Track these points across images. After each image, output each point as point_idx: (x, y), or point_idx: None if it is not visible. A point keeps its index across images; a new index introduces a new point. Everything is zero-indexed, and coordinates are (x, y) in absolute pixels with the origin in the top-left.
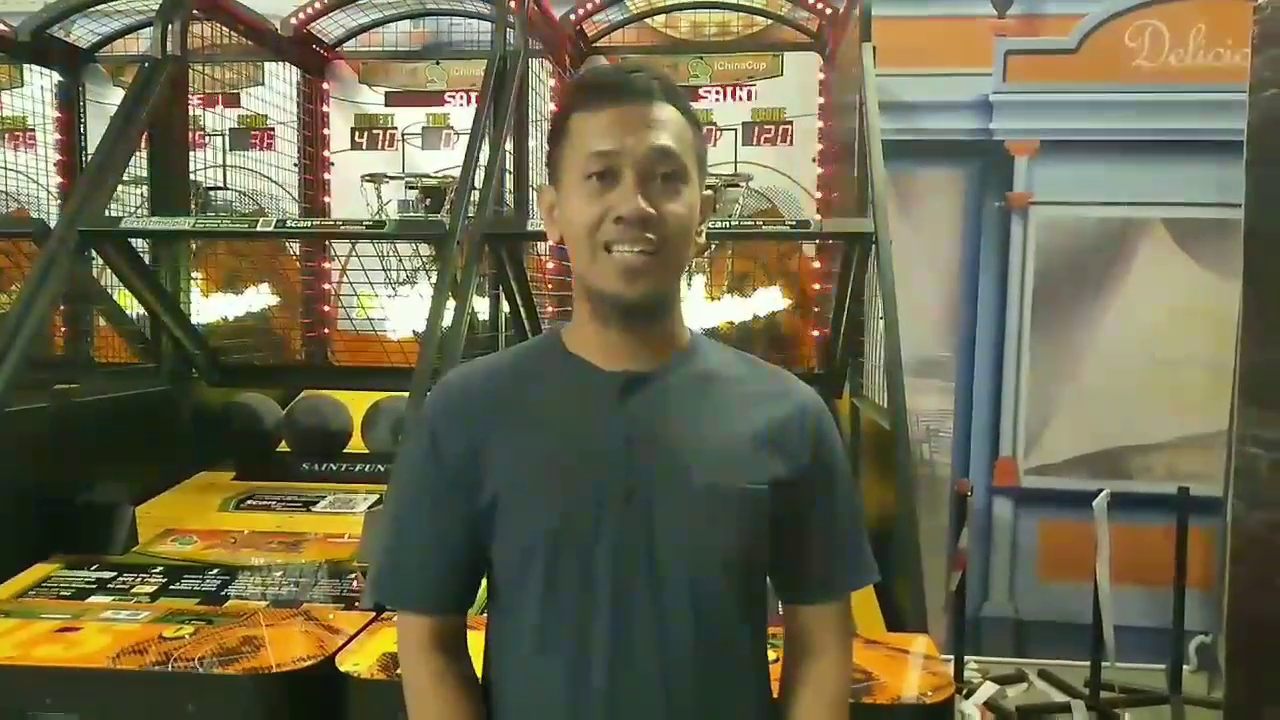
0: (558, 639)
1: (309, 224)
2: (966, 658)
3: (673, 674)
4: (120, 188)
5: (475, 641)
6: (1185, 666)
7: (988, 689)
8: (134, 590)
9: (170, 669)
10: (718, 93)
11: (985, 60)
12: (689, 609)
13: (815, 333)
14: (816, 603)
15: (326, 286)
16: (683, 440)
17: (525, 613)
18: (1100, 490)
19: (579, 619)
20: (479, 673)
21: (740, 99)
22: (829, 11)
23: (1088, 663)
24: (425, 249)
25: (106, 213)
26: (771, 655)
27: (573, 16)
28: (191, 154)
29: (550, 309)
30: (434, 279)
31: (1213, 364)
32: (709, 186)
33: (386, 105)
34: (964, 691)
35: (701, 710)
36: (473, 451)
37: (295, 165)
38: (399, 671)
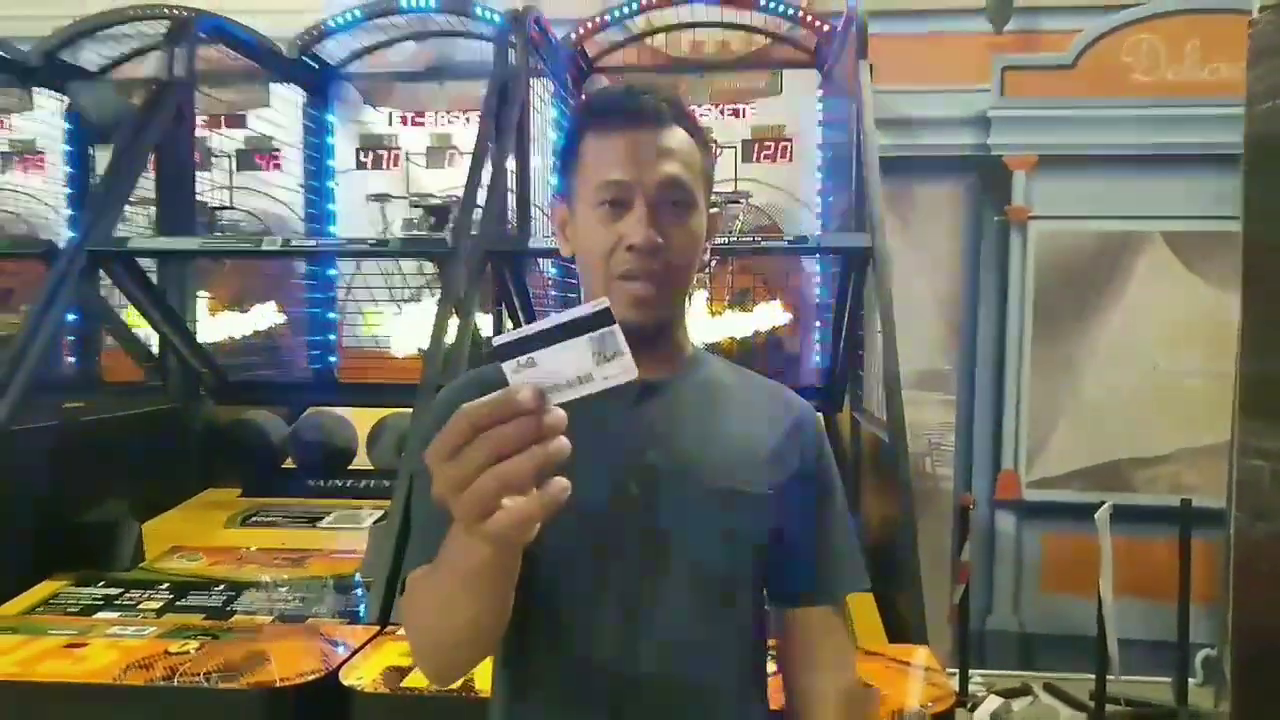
0: (567, 638)
1: (313, 243)
2: (971, 671)
3: (679, 672)
4: (128, 208)
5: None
6: (1191, 680)
7: (992, 702)
8: (141, 606)
9: (176, 683)
10: (718, 111)
11: (983, 76)
12: (698, 609)
13: (816, 347)
14: (816, 605)
15: (333, 304)
16: (694, 445)
17: (535, 613)
18: (1102, 503)
19: (589, 620)
20: (487, 678)
21: (740, 116)
22: (826, 29)
23: (1093, 676)
24: (429, 267)
25: (114, 233)
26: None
27: (574, 37)
28: (199, 175)
29: None
30: (438, 296)
31: (1214, 375)
32: (711, 205)
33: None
34: (969, 705)
35: (706, 708)
36: None
37: (301, 185)
38: (402, 684)
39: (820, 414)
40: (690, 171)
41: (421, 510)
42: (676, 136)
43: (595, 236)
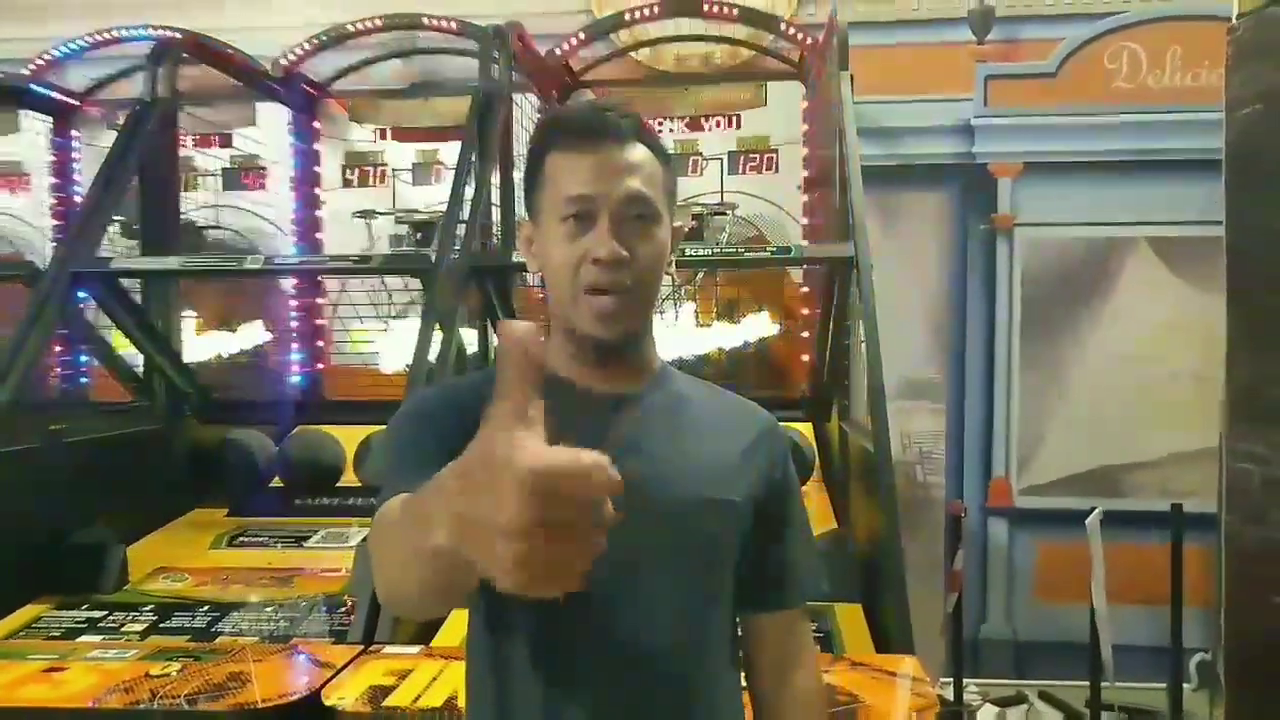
0: (541, 646)
1: (297, 260)
2: (966, 680)
3: (653, 679)
4: (113, 229)
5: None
6: (1186, 685)
7: (988, 711)
8: (124, 629)
9: (155, 706)
10: (704, 123)
11: (966, 85)
12: (674, 617)
13: (804, 357)
14: (780, 609)
15: (319, 322)
16: (667, 455)
17: (509, 622)
18: (1093, 509)
19: (563, 628)
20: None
21: (725, 128)
22: (809, 41)
23: (1088, 683)
24: (415, 283)
25: (97, 253)
26: None
27: (558, 52)
28: (184, 194)
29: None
30: None
31: (1202, 379)
32: (695, 216)
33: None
34: (964, 714)
35: (682, 712)
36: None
37: (288, 203)
38: (385, 703)
39: (809, 424)
40: (653, 187)
41: (400, 451)
42: (639, 152)
43: (561, 251)
